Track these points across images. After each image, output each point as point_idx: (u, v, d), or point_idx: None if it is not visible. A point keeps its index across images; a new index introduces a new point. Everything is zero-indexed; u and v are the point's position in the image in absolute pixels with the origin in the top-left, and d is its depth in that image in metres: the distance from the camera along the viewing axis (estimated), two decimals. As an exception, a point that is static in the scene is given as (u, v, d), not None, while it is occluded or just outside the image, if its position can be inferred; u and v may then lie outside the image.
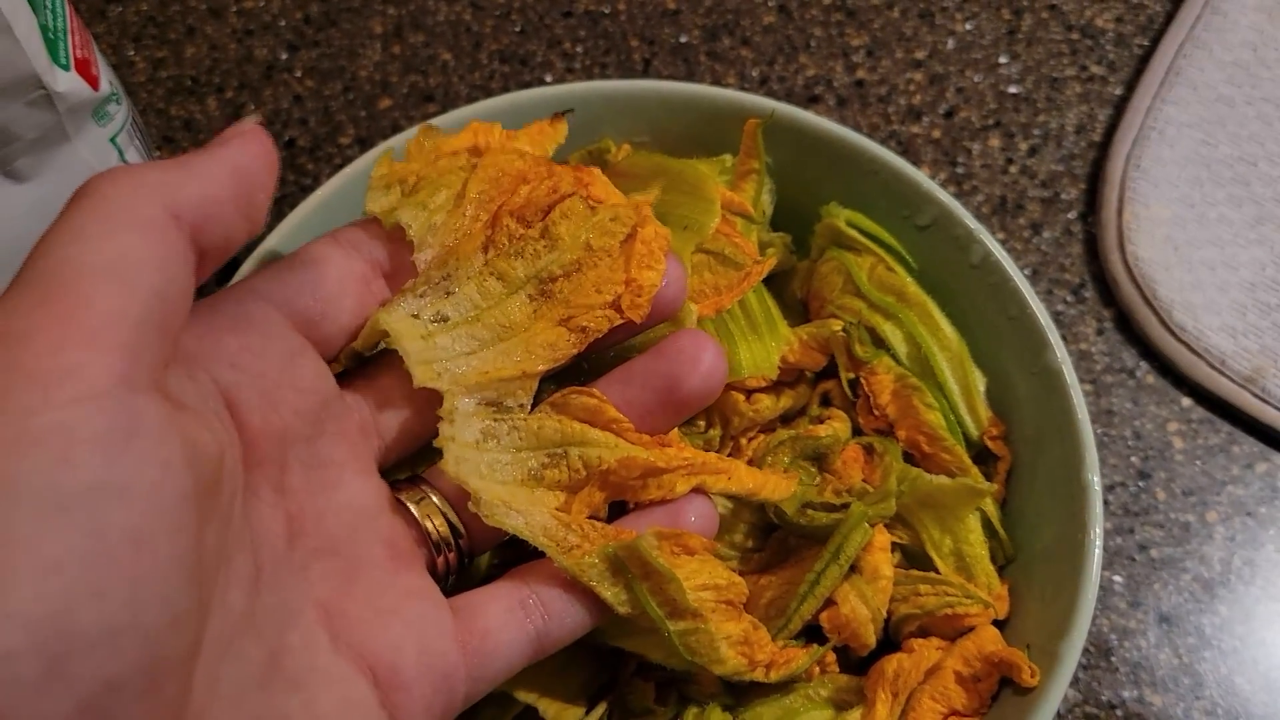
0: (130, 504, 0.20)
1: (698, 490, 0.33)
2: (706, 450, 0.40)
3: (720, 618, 0.33)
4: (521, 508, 0.30)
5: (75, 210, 0.23)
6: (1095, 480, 0.37)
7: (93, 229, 0.22)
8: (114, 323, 0.21)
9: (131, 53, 0.61)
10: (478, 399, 0.31)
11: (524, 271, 0.32)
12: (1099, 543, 0.36)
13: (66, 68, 0.44)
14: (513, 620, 0.30)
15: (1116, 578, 0.47)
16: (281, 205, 0.56)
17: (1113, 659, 0.46)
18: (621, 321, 0.32)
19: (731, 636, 0.33)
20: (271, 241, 0.41)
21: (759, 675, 0.34)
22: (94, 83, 0.46)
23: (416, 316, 0.31)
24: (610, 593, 0.31)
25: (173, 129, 0.58)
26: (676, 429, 0.37)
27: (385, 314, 0.31)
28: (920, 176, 0.42)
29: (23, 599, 0.18)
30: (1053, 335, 0.39)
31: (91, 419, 0.20)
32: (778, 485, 0.35)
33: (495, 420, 0.31)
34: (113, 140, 0.48)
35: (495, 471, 0.31)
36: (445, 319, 0.31)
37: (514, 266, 0.32)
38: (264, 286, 0.29)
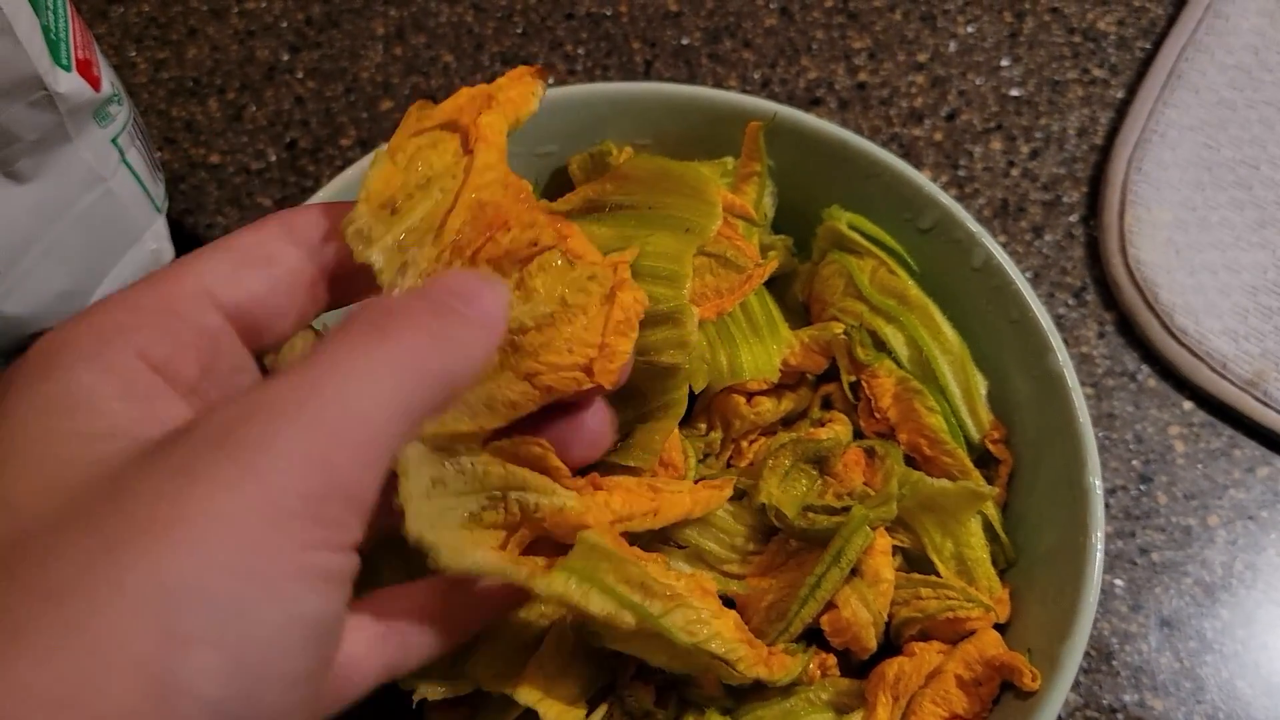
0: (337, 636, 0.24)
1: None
2: (707, 453, 0.40)
3: (700, 601, 0.33)
4: (468, 550, 0.30)
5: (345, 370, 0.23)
6: (1097, 484, 0.37)
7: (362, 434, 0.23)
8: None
9: (133, 53, 0.61)
10: (430, 445, 0.30)
11: None
12: (1100, 546, 0.36)
13: (68, 69, 0.44)
14: (373, 652, 0.29)
15: (1118, 581, 0.47)
16: (283, 207, 0.56)
17: (1114, 663, 0.46)
18: (590, 385, 0.31)
19: (725, 619, 0.33)
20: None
21: (762, 671, 0.34)
22: (95, 84, 0.46)
23: None
24: (595, 604, 0.31)
25: (174, 130, 0.58)
26: (678, 432, 0.37)
27: None
28: (922, 180, 0.42)
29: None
30: (1054, 339, 0.39)
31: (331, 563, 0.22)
32: (709, 499, 0.36)
33: (443, 466, 0.30)
34: (114, 141, 0.48)
35: (442, 517, 0.30)
36: None
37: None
38: (219, 286, 0.27)
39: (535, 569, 0.31)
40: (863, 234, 0.43)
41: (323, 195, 0.42)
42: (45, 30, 0.43)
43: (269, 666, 0.20)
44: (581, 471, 0.34)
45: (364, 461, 0.22)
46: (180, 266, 0.26)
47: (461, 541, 0.30)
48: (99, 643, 0.19)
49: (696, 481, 0.38)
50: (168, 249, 0.52)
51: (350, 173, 0.42)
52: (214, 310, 0.26)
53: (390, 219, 0.30)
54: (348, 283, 0.30)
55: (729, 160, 0.44)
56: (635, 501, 0.33)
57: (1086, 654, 0.46)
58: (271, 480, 0.21)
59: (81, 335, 0.24)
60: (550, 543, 0.32)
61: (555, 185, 0.46)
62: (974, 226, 0.41)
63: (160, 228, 0.52)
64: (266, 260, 0.27)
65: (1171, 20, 0.61)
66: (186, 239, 0.55)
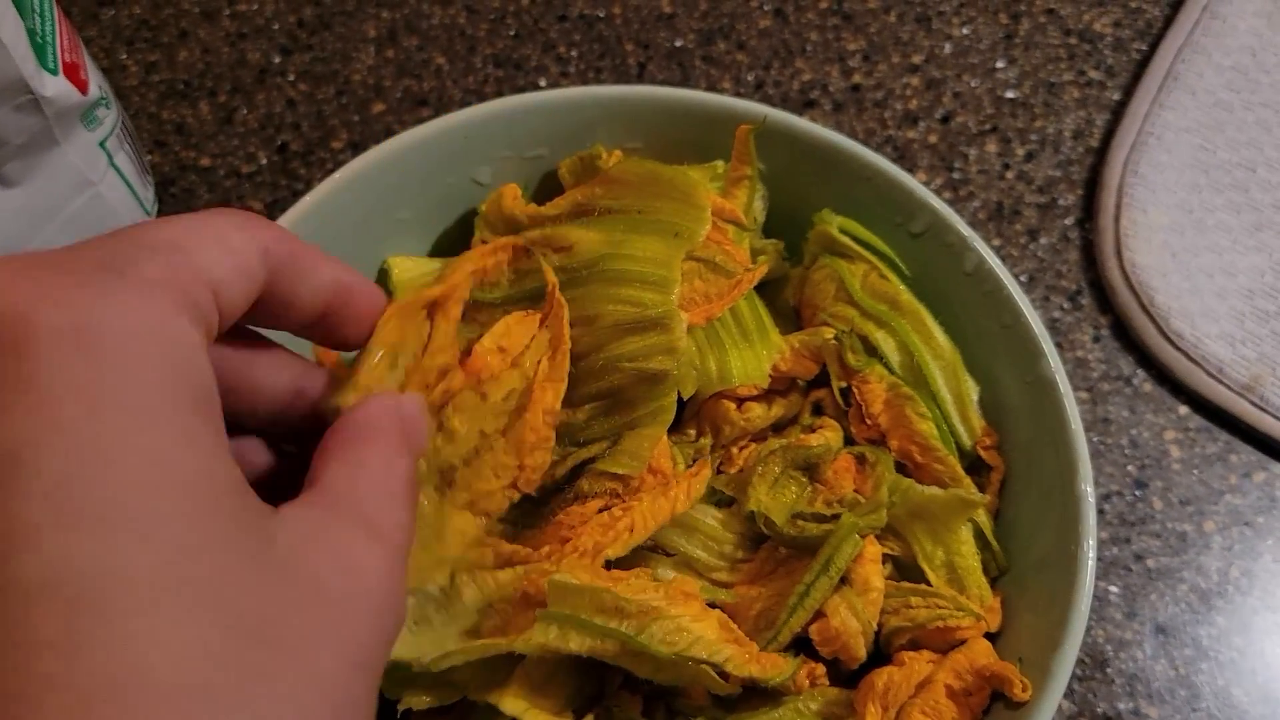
0: None
1: None
2: (696, 458, 0.40)
3: (680, 609, 0.33)
4: (452, 649, 0.33)
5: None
6: (1089, 491, 0.36)
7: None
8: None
9: (124, 56, 0.61)
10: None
11: (425, 467, 0.33)
12: (1092, 555, 0.35)
13: (55, 72, 0.44)
14: None
15: (1112, 588, 0.47)
16: (273, 210, 0.56)
17: (1108, 670, 0.45)
18: (519, 496, 0.34)
19: (707, 621, 0.33)
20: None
21: (754, 669, 0.34)
22: (83, 87, 0.46)
23: None
24: (576, 643, 0.32)
25: (165, 133, 0.58)
26: (666, 438, 0.37)
27: None
28: (914, 183, 0.41)
29: None
30: (1047, 344, 0.39)
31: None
32: (690, 490, 0.36)
33: (421, 606, 0.33)
34: (102, 145, 0.48)
35: (437, 646, 0.33)
36: None
37: (417, 464, 0.33)
38: (219, 287, 0.26)
39: (516, 633, 0.32)
40: (854, 238, 0.42)
41: (311, 199, 0.41)
42: (31, 34, 0.42)
43: None
44: (532, 502, 0.35)
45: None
46: (181, 251, 0.24)
47: (446, 640, 0.33)
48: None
49: None
50: (157, 253, 0.52)
51: (339, 176, 0.42)
52: (214, 306, 0.24)
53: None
54: (259, 312, 0.28)
55: (719, 164, 0.44)
56: (604, 531, 0.34)
57: (1081, 661, 0.45)
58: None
59: (135, 332, 0.21)
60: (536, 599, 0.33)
61: (545, 188, 0.46)
62: (966, 231, 0.41)
63: (150, 231, 0.52)
64: (248, 276, 0.26)
65: (1168, 22, 0.61)
66: (177, 242, 0.55)
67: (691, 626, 0.33)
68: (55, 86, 0.44)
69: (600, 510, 0.35)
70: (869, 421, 0.40)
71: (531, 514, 0.35)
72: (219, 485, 0.21)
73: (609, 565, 0.34)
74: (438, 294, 0.35)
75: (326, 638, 0.22)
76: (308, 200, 0.42)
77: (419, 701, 0.34)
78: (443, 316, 0.34)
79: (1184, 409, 0.51)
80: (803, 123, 0.43)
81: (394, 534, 0.25)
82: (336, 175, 0.42)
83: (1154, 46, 0.60)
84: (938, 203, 0.41)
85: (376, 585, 0.24)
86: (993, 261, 0.40)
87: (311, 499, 0.25)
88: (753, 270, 0.40)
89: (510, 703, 0.33)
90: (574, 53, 0.61)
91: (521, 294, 0.37)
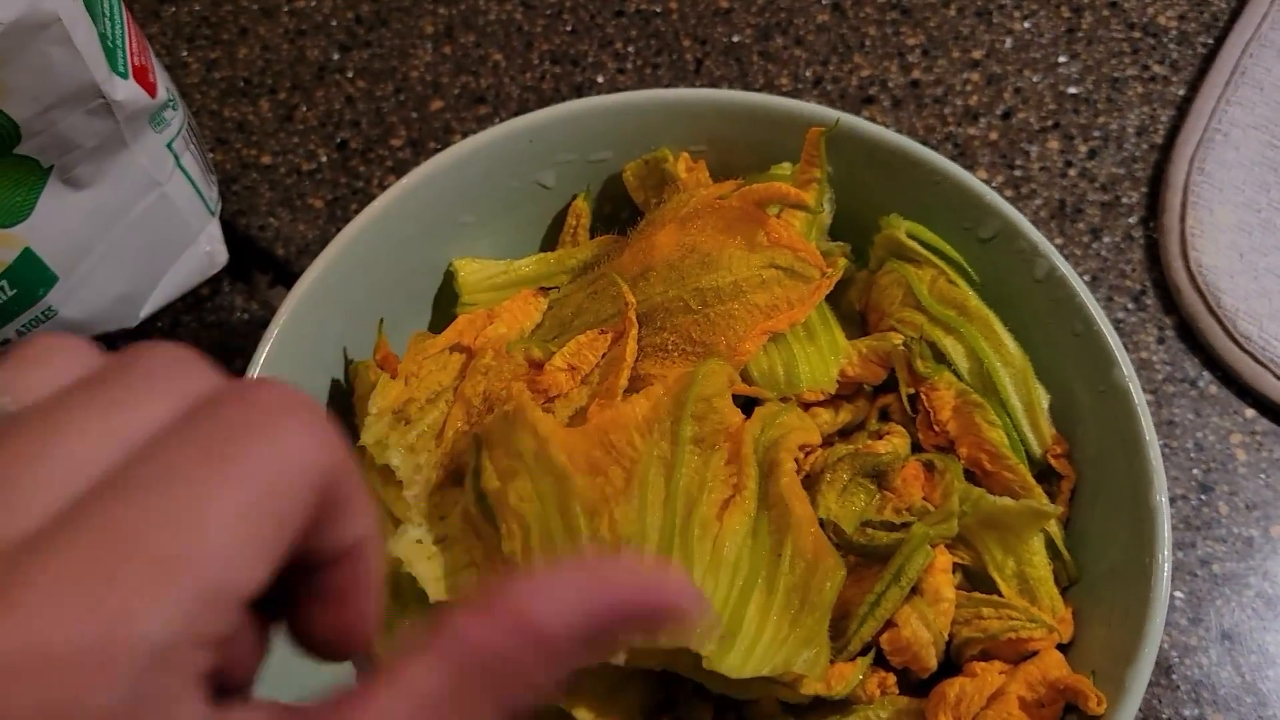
0: None
1: None
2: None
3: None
4: None
5: None
6: (1164, 503, 0.36)
7: None
8: None
9: (185, 54, 0.61)
10: None
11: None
12: (1168, 567, 0.35)
13: (125, 76, 0.44)
14: None
15: (1177, 593, 0.46)
16: (334, 208, 0.56)
17: (1173, 676, 0.45)
18: None
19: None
20: (330, 252, 0.41)
21: (819, 688, 0.34)
22: (151, 90, 0.46)
23: (420, 543, 0.36)
24: (651, 659, 0.33)
25: (226, 130, 0.59)
26: None
27: (393, 543, 0.35)
28: (984, 188, 0.41)
29: None
30: (1120, 353, 0.38)
31: None
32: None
33: None
34: (169, 146, 0.48)
35: None
36: (443, 540, 0.36)
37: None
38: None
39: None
40: (922, 243, 0.42)
41: (379, 205, 0.42)
42: (102, 38, 0.43)
43: None
44: None
45: None
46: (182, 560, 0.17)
47: None
48: None
49: None
50: (221, 251, 0.52)
51: (406, 181, 0.42)
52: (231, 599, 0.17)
53: (403, 428, 0.38)
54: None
55: (787, 165, 0.44)
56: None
57: (1145, 667, 0.45)
58: None
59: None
60: None
61: (609, 192, 0.46)
62: (1036, 237, 0.40)
63: (214, 230, 0.52)
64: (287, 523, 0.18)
65: (1235, 14, 0.60)
66: (240, 241, 0.55)
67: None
68: (126, 90, 0.44)
69: None
70: (937, 429, 0.40)
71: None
72: None
73: None
74: (453, 339, 0.40)
75: None
76: (376, 206, 0.42)
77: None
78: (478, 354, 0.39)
79: (1250, 412, 0.50)
80: (871, 126, 0.42)
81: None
82: (404, 180, 0.42)
83: (1220, 40, 0.59)
84: (1007, 208, 0.41)
85: None
86: (1064, 268, 0.40)
87: None
88: (829, 276, 0.39)
89: (580, 711, 0.34)
90: (631, 49, 0.60)
91: (596, 318, 0.38)
